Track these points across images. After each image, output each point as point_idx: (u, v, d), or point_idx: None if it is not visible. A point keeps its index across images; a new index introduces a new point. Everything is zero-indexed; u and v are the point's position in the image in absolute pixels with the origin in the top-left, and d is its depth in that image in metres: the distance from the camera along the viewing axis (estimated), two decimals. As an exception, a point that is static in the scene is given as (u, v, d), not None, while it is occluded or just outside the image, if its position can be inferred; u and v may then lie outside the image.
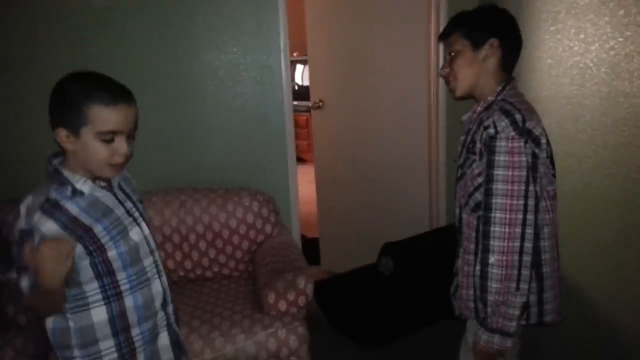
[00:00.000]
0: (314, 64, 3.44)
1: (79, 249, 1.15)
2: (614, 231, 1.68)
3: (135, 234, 1.28)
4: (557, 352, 2.03)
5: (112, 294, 1.22)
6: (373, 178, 3.24)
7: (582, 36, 1.77)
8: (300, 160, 5.79)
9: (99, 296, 1.21)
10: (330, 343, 2.62)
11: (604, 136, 1.70)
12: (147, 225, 1.34)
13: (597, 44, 1.69)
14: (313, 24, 3.31)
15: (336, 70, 3.28)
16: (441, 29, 2.71)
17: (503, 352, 1.30)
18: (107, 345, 1.23)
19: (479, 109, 1.40)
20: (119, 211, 1.26)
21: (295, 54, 5.98)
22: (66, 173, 1.19)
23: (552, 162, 1.37)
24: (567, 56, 1.87)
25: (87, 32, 2.53)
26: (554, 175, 1.38)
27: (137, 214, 1.31)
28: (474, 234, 1.34)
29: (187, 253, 2.47)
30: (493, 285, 1.25)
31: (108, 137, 1.15)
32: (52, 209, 1.14)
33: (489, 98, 1.37)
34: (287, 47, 2.70)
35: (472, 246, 1.35)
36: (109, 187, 1.27)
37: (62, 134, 1.14)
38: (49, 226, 1.12)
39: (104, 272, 1.20)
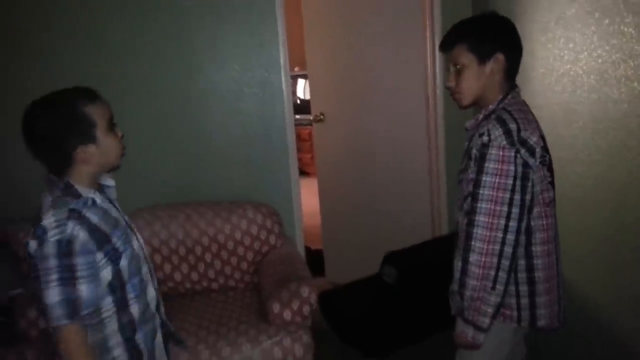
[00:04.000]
0: (314, 78, 3.51)
1: (102, 259, 1.22)
2: (610, 232, 1.72)
3: (135, 243, 1.35)
4: (564, 358, 2.05)
5: (122, 306, 1.28)
6: (375, 188, 3.29)
7: (571, 45, 1.83)
8: (304, 173, 5.84)
9: (113, 310, 1.26)
10: (336, 353, 2.64)
11: (595, 141, 1.74)
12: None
13: (585, 53, 1.74)
14: (311, 39, 3.39)
15: (336, 83, 3.35)
16: (437, 39, 2.78)
17: (476, 345, 1.38)
18: (118, 352, 1.28)
19: (480, 116, 1.45)
20: (122, 222, 1.33)
21: (296, 69, 6.07)
22: (78, 187, 1.25)
23: (550, 170, 1.42)
24: (559, 65, 1.92)
25: (90, 48, 2.61)
26: (551, 183, 1.43)
27: (131, 224, 1.39)
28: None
29: (193, 265, 2.52)
30: (470, 282, 1.33)
31: (113, 124, 1.28)
32: (79, 219, 1.19)
33: (490, 106, 1.43)
34: (287, 62, 2.78)
35: None
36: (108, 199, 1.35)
37: (84, 151, 1.22)
38: (81, 232, 1.17)
39: (117, 284, 1.26)
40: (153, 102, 2.70)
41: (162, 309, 1.46)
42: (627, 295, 1.66)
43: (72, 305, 1.16)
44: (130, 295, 1.30)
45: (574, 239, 1.87)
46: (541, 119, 1.54)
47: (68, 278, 1.15)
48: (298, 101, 6.50)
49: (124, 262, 1.26)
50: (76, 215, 1.19)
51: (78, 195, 1.23)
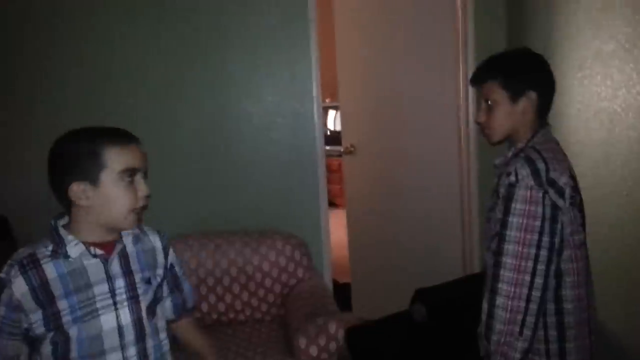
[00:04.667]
0: (345, 109, 3.53)
1: (39, 320, 1.08)
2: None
3: (106, 321, 1.13)
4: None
5: None
6: (405, 223, 3.24)
7: (608, 82, 1.79)
8: (332, 204, 5.82)
9: None
10: (363, 390, 2.57)
11: (635, 180, 1.68)
12: (142, 308, 1.18)
13: (624, 89, 1.71)
14: (344, 72, 3.42)
15: (367, 115, 3.36)
16: (469, 73, 2.77)
17: None
18: None
19: (510, 154, 1.43)
20: (99, 289, 1.12)
21: (327, 100, 6.13)
22: (62, 232, 1.12)
23: (580, 211, 1.37)
24: (595, 101, 1.89)
25: (132, 81, 2.70)
26: (582, 225, 1.38)
27: (123, 297, 1.15)
28: None
29: (220, 296, 2.52)
30: (497, 325, 1.29)
31: (129, 175, 1.10)
32: (30, 266, 1.08)
33: (519, 144, 1.41)
34: (319, 94, 2.81)
35: None
36: (105, 257, 1.14)
37: (78, 188, 1.08)
38: (18, 285, 1.07)
39: (60, 353, 1.10)
40: (189, 132, 2.76)
41: None
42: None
43: None
44: None
45: (611, 281, 1.79)
46: (577, 156, 1.51)
47: None
48: (328, 132, 6.55)
49: (72, 336, 1.09)
50: (30, 261, 1.08)
51: (53, 241, 1.11)
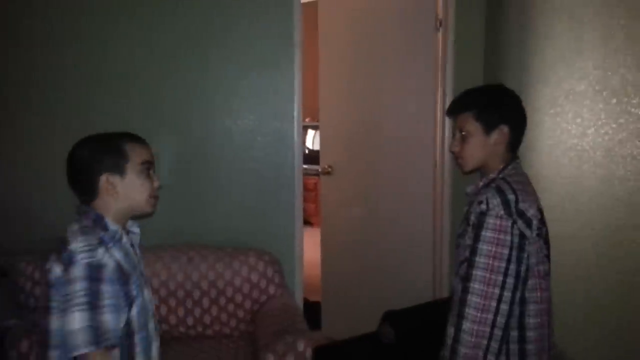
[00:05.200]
0: (325, 131, 3.58)
1: (122, 298, 1.19)
2: (613, 313, 1.70)
3: (147, 294, 1.31)
4: None
5: (128, 359, 1.23)
6: (378, 245, 3.28)
7: (578, 120, 1.88)
8: (307, 223, 5.84)
9: None
10: (327, 411, 2.57)
11: (600, 217, 1.75)
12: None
13: (593, 129, 1.79)
14: (325, 94, 3.48)
15: (346, 137, 3.41)
16: (447, 102, 2.85)
17: None
18: None
19: (481, 184, 1.50)
20: (139, 268, 1.32)
21: (307, 120, 6.19)
22: (107, 221, 1.26)
23: (546, 242, 1.44)
24: (566, 138, 1.97)
25: (113, 91, 2.70)
26: (547, 256, 1.44)
27: (144, 273, 1.36)
28: None
29: (190, 309, 2.50)
30: (462, 349, 1.34)
31: (147, 168, 1.30)
32: (106, 250, 1.20)
33: (491, 175, 1.48)
34: (300, 114, 2.85)
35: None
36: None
37: (108, 180, 1.25)
38: (110, 261, 1.18)
39: (125, 333, 1.21)
40: (168, 144, 2.75)
41: None
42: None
43: (97, 332, 1.11)
44: (137, 349, 1.25)
45: (574, 314, 1.85)
46: (545, 190, 1.57)
47: (95, 303, 1.12)
48: (306, 151, 6.60)
49: (134, 311, 1.23)
50: (104, 245, 1.20)
51: (106, 228, 1.24)
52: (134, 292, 1.23)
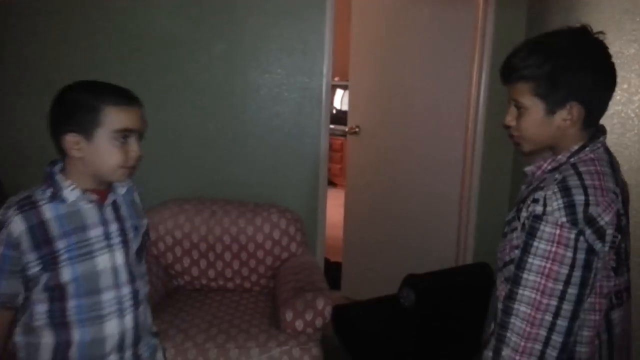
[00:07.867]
0: (355, 90, 3.49)
1: (35, 260, 1.11)
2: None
3: (102, 261, 1.18)
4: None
5: (59, 323, 1.16)
6: (402, 208, 3.24)
7: (625, 86, 1.77)
8: (331, 183, 5.82)
9: (45, 321, 1.15)
10: (344, 369, 2.60)
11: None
12: (131, 252, 1.25)
13: (639, 95, 1.68)
14: (357, 53, 3.38)
15: (375, 98, 3.32)
16: (484, 64, 2.68)
17: None
18: None
19: (546, 165, 1.12)
20: (95, 232, 1.18)
21: (336, 79, 6.08)
22: (58, 177, 1.16)
23: (618, 254, 1.08)
24: (610, 104, 1.86)
25: (136, 42, 2.66)
26: (613, 269, 1.08)
27: (117, 240, 1.21)
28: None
29: (211, 262, 2.52)
30: None
31: (122, 137, 1.14)
32: (28, 207, 1.12)
33: (560, 157, 1.10)
34: (329, 71, 2.77)
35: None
36: (100, 202, 1.20)
37: (72, 139, 1.13)
38: (16, 224, 1.10)
39: (55, 296, 1.14)
40: (195, 97, 2.72)
41: (143, 347, 1.28)
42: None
43: None
44: (71, 317, 1.15)
45: None
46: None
47: None
48: (334, 111, 6.52)
49: (67, 275, 1.13)
50: (27, 202, 1.12)
51: (50, 185, 1.15)
52: (63, 256, 1.12)
